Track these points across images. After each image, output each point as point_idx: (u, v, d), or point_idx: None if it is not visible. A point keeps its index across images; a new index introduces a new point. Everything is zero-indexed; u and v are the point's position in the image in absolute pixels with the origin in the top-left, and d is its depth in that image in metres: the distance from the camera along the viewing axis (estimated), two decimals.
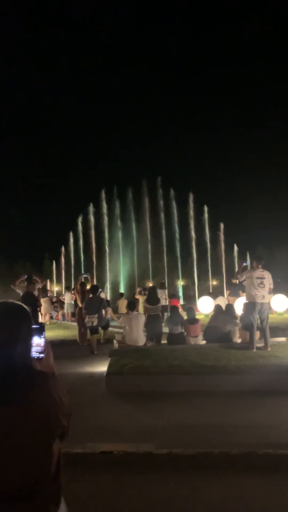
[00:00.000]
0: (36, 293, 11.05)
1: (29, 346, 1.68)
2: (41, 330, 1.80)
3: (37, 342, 1.76)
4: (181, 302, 26.57)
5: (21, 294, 11.04)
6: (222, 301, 15.42)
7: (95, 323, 10.12)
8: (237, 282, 14.92)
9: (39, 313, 13.30)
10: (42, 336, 1.79)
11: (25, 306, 1.75)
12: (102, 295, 12.59)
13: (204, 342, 9.53)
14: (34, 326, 1.75)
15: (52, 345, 1.91)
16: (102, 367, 7.92)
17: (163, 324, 11.08)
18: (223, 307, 10.69)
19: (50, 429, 1.55)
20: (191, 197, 40.11)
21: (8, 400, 1.49)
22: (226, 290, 17.91)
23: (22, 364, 1.58)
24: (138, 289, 17.65)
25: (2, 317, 1.64)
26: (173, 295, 18.69)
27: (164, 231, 40.75)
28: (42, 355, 1.76)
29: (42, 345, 1.77)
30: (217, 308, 10.48)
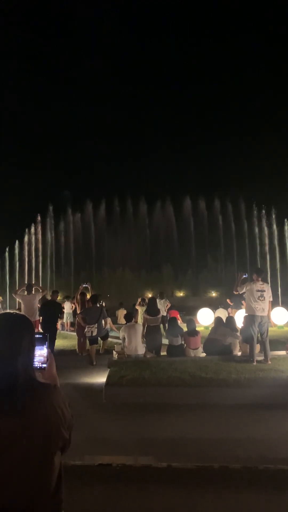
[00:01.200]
0: (36, 302, 11.04)
1: (32, 357, 1.67)
2: (43, 340, 1.79)
3: (40, 352, 1.75)
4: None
5: (22, 303, 11.05)
6: (223, 313, 15.38)
7: (94, 333, 10.07)
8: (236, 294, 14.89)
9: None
10: (45, 346, 1.77)
11: (28, 317, 1.75)
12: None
13: (204, 354, 9.48)
14: (37, 336, 1.74)
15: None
16: (101, 378, 7.87)
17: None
18: (224, 319, 10.65)
19: (51, 441, 1.54)
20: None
21: (10, 412, 1.47)
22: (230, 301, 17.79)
23: (24, 375, 1.57)
24: (138, 300, 17.60)
25: (5, 328, 1.64)
26: (172, 306, 18.63)
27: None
28: (44, 365, 1.75)
29: (45, 355, 1.76)
30: (218, 320, 10.45)
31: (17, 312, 1.79)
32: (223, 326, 9.92)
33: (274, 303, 16.74)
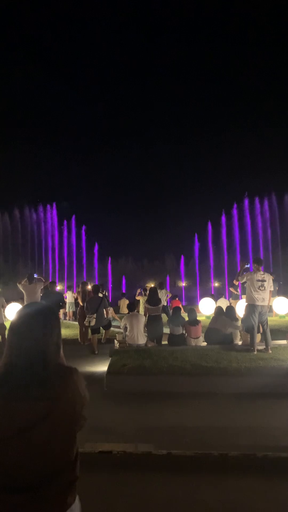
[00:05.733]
0: (38, 292, 11.11)
1: (59, 344, 1.80)
2: None
3: None
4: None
5: (24, 292, 11.14)
6: (224, 303, 15.41)
7: (92, 323, 10.11)
8: (237, 284, 14.95)
9: None
10: None
11: (55, 308, 1.90)
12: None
13: (205, 343, 9.53)
14: None
15: None
16: (102, 367, 7.93)
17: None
18: (224, 309, 10.67)
19: (76, 420, 1.69)
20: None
21: (41, 395, 1.60)
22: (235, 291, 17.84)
23: (53, 361, 1.72)
24: (138, 290, 17.65)
25: (36, 318, 1.75)
26: (174, 296, 18.68)
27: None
28: None
29: None
30: (218, 310, 10.47)
31: (44, 303, 1.88)
32: (224, 315, 9.95)
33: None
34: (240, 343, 9.43)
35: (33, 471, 1.58)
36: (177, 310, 10.22)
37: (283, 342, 9.48)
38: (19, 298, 13.68)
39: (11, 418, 1.58)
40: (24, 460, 1.57)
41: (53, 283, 10.97)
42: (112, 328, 12.00)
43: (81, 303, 11.65)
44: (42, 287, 11.51)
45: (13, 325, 1.75)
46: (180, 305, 15.26)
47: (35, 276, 12.50)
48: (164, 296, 14.91)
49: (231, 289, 18.58)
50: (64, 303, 12.62)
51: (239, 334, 9.62)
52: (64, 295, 19.06)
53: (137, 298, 15.45)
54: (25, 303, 9.08)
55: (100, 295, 11.18)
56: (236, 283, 12.46)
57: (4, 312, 10.43)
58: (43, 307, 1.83)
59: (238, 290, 17.26)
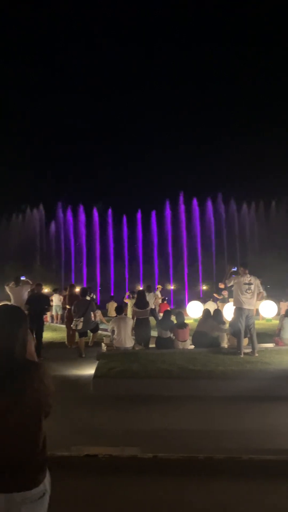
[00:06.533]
0: (25, 294, 11.03)
1: (25, 340, 2.01)
2: None
3: None
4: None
5: (11, 295, 11.08)
6: (212, 306, 15.48)
7: (79, 327, 10.06)
8: (223, 287, 15.06)
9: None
10: None
11: (22, 309, 2.13)
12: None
13: (193, 346, 9.56)
14: None
15: (41, 347, 2.04)
16: (89, 370, 7.90)
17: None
18: (212, 312, 10.72)
19: (41, 408, 1.92)
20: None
21: (10, 387, 1.85)
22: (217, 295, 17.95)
23: (20, 357, 1.95)
24: (127, 293, 17.67)
25: (4, 319, 1.99)
26: (163, 299, 18.74)
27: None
28: None
29: None
30: (206, 312, 10.51)
31: (13, 304, 2.01)
32: (211, 318, 10.00)
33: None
34: (226, 346, 9.49)
35: (8, 454, 1.83)
36: (167, 313, 10.24)
37: (270, 345, 9.56)
38: (5, 300, 13.61)
39: None
40: (1, 446, 1.83)
41: (39, 285, 10.87)
42: (99, 331, 11.97)
43: (68, 306, 11.60)
44: (29, 290, 11.43)
45: None
46: (169, 308, 15.29)
47: (22, 278, 12.41)
48: (152, 299, 14.94)
49: (214, 294, 18.67)
50: (50, 306, 12.52)
51: (226, 337, 9.68)
52: (50, 298, 18.97)
53: (125, 301, 15.45)
54: None
55: (88, 298, 11.14)
56: (223, 286, 12.54)
57: None
58: (10, 308, 2.09)
59: (223, 294, 17.34)
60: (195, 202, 42.41)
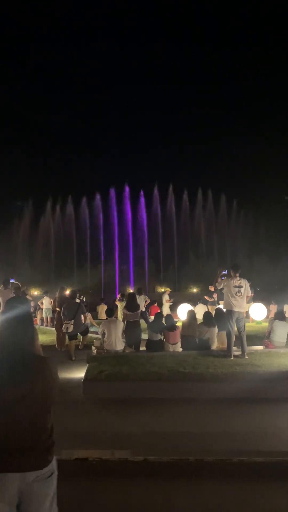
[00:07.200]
0: None
1: (34, 339, 2.34)
2: None
3: None
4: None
5: (0, 299, 11.01)
6: (202, 309, 15.52)
7: (70, 330, 10.02)
8: (213, 289, 15.10)
9: None
10: None
11: (31, 312, 2.53)
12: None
13: (181, 349, 9.57)
14: None
15: None
16: (79, 373, 7.87)
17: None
18: (202, 314, 10.73)
19: (49, 396, 2.19)
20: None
21: (22, 378, 2.12)
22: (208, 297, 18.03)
23: (30, 353, 2.25)
24: (118, 296, 17.65)
25: (14, 320, 2.27)
26: (153, 302, 18.73)
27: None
28: None
29: None
30: (190, 315, 10.41)
31: (23, 307, 2.34)
32: (195, 321, 10.01)
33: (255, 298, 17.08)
34: (214, 347, 9.53)
35: (21, 438, 2.09)
36: (158, 316, 10.23)
37: (259, 347, 9.62)
38: None
39: (0, 400, 2.07)
40: (15, 431, 2.08)
41: (18, 288, 10.69)
42: (89, 334, 11.93)
43: (57, 309, 11.55)
44: (19, 292, 11.37)
45: None
46: (159, 311, 15.29)
47: (12, 281, 12.34)
48: (142, 302, 14.94)
49: (205, 297, 18.74)
50: (32, 308, 12.42)
51: (216, 339, 9.70)
52: (40, 300, 18.86)
53: (116, 303, 15.43)
54: (1, 309, 8.96)
55: (78, 300, 11.11)
56: (212, 289, 12.57)
57: None
58: (19, 309, 2.33)
59: (213, 296, 17.40)
60: (185, 201, 42.62)
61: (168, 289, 21.95)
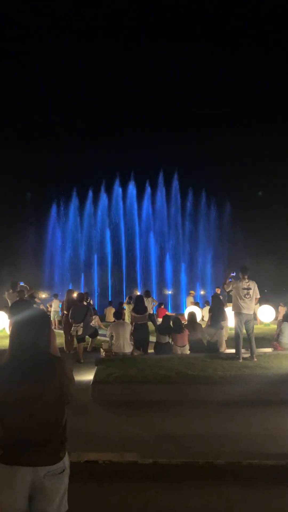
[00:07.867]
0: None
1: (50, 340, 2.41)
2: None
3: None
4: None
5: (9, 302, 11.06)
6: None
7: (79, 332, 10.04)
8: (219, 292, 15.07)
9: None
10: None
11: (45, 312, 2.61)
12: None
13: (189, 352, 9.56)
14: None
15: None
16: (88, 376, 7.89)
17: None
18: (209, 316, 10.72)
19: (63, 395, 2.28)
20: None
21: (38, 378, 2.22)
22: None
23: (45, 353, 2.34)
24: (127, 298, 17.66)
25: (31, 321, 2.37)
26: (160, 304, 18.73)
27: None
28: None
29: None
30: (190, 318, 10.39)
31: (37, 307, 2.22)
32: (198, 324, 10.01)
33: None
34: (222, 349, 9.51)
35: (35, 434, 2.17)
36: (166, 318, 10.23)
37: (268, 350, 9.57)
38: (3, 306, 13.64)
39: (17, 396, 2.16)
40: (29, 426, 2.16)
41: (22, 292, 10.69)
42: (98, 337, 11.96)
43: (65, 312, 11.57)
44: (27, 295, 11.40)
45: (14, 327, 2.38)
46: (167, 313, 15.29)
47: (21, 284, 12.39)
48: (150, 304, 14.95)
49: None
50: None
51: (224, 342, 9.69)
52: (49, 303, 18.93)
53: (124, 305, 15.44)
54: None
55: (85, 303, 11.13)
56: (219, 291, 12.55)
57: None
58: (35, 310, 2.52)
59: (220, 297, 17.33)
60: (189, 204, 42.57)
61: (192, 292, 21.87)
